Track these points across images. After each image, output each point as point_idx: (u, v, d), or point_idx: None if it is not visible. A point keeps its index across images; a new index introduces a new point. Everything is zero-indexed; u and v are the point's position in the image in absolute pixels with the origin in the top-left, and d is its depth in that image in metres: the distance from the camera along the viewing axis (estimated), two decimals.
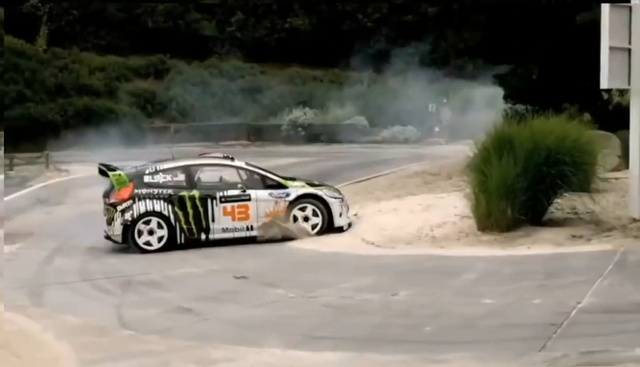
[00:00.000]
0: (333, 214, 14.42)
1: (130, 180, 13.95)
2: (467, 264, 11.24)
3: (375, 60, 40.66)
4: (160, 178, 14.04)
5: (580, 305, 8.53)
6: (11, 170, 24.90)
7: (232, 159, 14.82)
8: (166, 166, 14.27)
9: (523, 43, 20.53)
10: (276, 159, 25.30)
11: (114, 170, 14.19)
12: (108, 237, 14.15)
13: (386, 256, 12.49)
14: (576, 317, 8.12)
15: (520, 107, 21.71)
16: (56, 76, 38.98)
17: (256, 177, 14.50)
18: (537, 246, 12.08)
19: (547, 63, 20.96)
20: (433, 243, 13.00)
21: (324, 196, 14.50)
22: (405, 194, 17.54)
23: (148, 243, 13.76)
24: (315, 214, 14.33)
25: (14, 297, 10.49)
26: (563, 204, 13.63)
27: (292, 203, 14.25)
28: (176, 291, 10.77)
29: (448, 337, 7.93)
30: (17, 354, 8.01)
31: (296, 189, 14.47)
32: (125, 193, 13.83)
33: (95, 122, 35.16)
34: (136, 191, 13.82)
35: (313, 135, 38.10)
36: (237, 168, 14.58)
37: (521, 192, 12.91)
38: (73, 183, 22.52)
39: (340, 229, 14.39)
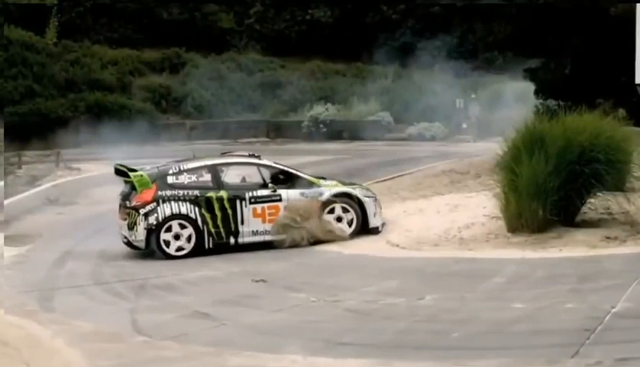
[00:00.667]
0: (368, 214, 13.89)
1: (153, 182, 13.28)
2: (497, 267, 11.11)
3: (400, 53, 40.35)
4: (184, 178, 13.37)
5: (614, 310, 8.38)
6: (20, 168, 24.85)
7: (259, 157, 14.21)
8: (190, 165, 13.60)
9: (555, 36, 20.28)
10: (296, 157, 25.16)
11: (134, 170, 13.56)
12: (128, 243, 13.53)
13: (411, 259, 12.39)
14: (611, 322, 7.97)
15: (552, 102, 21.54)
16: (67, 71, 38.84)
17: (285, 175, 13.92)
18: (569, 248, 11.97)
19: (580, 56, 20.77)
20: (461, 245, 12.90)
21: (359, 195, 13.98)
22: (432, 194, 17.49)
23: (176, 248, 13.14)
24: (346, 213, 13.79)
25: (23, 301, 10.44)
26: (596, 204, 13.53)
27: (325, 203, 13.67)
28: (192, 295, 10.66)
29: (477, 343, 7.78)
30: (26, 361, 7.91)
31: (329, 188, 13.91)
32: (148, 195, 13.18)
33: (108, 119, 34.93)
34: (159, 193, 13.17)
35: (335, 132, 37.76)
36: (266, 167, 13.98)
37: (553, 191, 12.78)
38: (85, 182, 22.47)
39: (374, 230, 13.91)
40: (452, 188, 18.11)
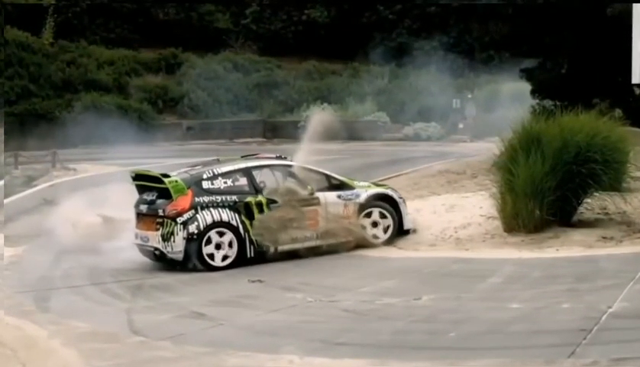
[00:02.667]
0: (402, 216, 13.24)
1: (188, 187, 12.15)
2: (493, 267, 11.10)
3: (396, 53, 40.35)
4: (219, 183, 12.28)
5: (610, 310, 8.37)
6: (16, 168, 24.79)
7: (286, 159, 13.39)
8: (225, 169, 12.51)
9: (552, 36, 20.27)
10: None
11: (167, 175, 12.36)
12: (159, 256, 12.23)
13: (408, 259, 12.36)
14: (607, 323, 7.95)
15: (548, 103, 21.52)
16: (63, 71, 38.74)
17: (319, 177, 13.04)
18: (566, 248, 11.98)
19: (576, 56, 20.75)
20: (457, 245, 12.87)
21: (395, 197, 13.33)
22: (429, 194, 17.43)
23: (221, 258, 12.05)
24: (383, 217, 13.02)
25: (20, 302, 10.38)
26: (593, 204, 13.53)
27: (362, 206, 12.86)
28: (189, 295, 10.61)
29: (474, 343, 7.75)
30: (22, 362, 7.87)
31: (365, 189, 13.14)
32: (185, 201, 11.99)
33: (104, 119, 34.78)
34: (196, 199, 12.05)
35: (331, 132, 37.66)
36: (300, 169, 13.07)
37: (549, 191, 12.78)
38: (81, 182, 22.36)
39: (407, 232, 13.28)
40: (449, 188, 18.07)
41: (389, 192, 13.47)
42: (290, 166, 13.11)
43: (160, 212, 12.13)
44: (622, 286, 9.31)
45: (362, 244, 12.79)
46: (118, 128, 31.70)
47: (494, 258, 11.75)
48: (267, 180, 12.80)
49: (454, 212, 14.80)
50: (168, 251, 12.03)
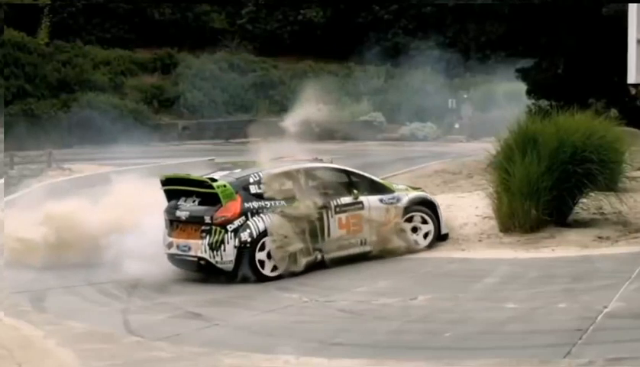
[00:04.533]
0: (440, 220, 12.71)
1: (236, 192, 11.31)
2: (489, 267, 11.09)
3: (392, 53, 40.39)
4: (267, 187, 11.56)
5: (606, 310, 8.39)
6: (12, 168, 24.76)
7: (322, 161, 12.77)
8: (270, 172, 11.73)
9: (547, 36, 20.29)
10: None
11: (214, 179, 11.48)
12: (205, 267, 11.26)
13: (404, 259, 12.24)
14: (603, 322, 7.97)
15: (544, 103, 21.53)
16: (59, 71, 38.76)
17: (361, 180, 12.35)
18: (562, 248, 11.96)
19: (572, 56, 20.77)
20: (453, 245, 12.81)
21: (434, 201, 12.84)
22: None
23: (271, 268, 11.19)
24: (424, 222, 12.49)
25: (16, 302, 10.34)
26: (589, 204, 13.55)
27: (404, 210, 12.29)
28: (185, 295, 10.58)
29: (470, 343, 7.76)
30: (18, 362, 7.84)
31: (405, 192, 12.57)
32: (235, 207, 11.14)
33: (100, 119, 34.77)
34: (246, 205, 11.24)
35: (328, 132, 37.65)
36: (341, 171, 12.41)
37: (545, 191, 12.77)
38: (77, 182, 22.30)
39: (445, 237, 12.77)
40: (445, 188, 18.00)
41: (429, 196, 13.03)
42: (335, 169, 12.54)
43: (207, 219, 11.17)
44: (618, 286, 9.31)
45: (406, 250, 12.26)
46: (114, 128, 31.69)
47: (490, 258, 11.73)
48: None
49: (450, 212, 14.69)
50: (217, 261, 11.10)
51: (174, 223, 11.56)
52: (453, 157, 26.03)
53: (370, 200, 12.06)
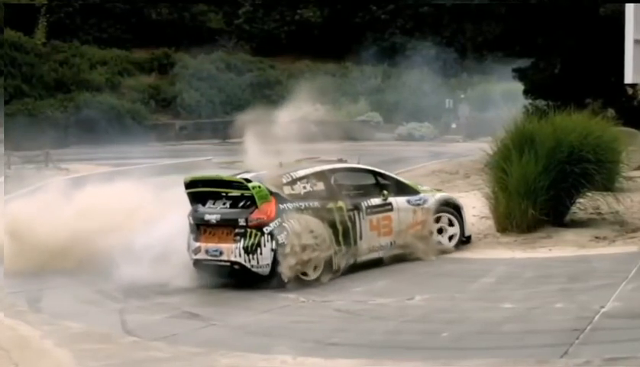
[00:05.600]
0: (464, 223, 12.44)
1: (270, 193, 10.82)
2: (486, 267, 11.07)
3: (389, 53, 40.43)
4: (299, 188, 11.07)
5: (603, 309, 8.37)
6: (9, 168, 24.73)
7: (346, 161, 12.50)
8: (301, 173, 11.30)
9: (544, 36, 20.30)
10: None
11: (248, 180, 10.90)
12: (239, 272, 10.73)
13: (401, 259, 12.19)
14: (600, 322, 7.96)
15: (541, 103, 21.54)
16: (56, 71, 38.75)
17: (388, 180, 12.03)
18: (559, 248, 11.96)
19: (569, 56, 20.77)
20: None
21: (458, 202, 12.56)
22: None
23: (305, 272, 10.74)
24: (450, 223, 12.23)
25: (12, 302, 10.30)
26: (586, 204, 13.57)
27: (430, 211, 12.01)
28: (181, 295, 10.51)
29: (466, 343, 7.75)
30: (15, 362, 7.82)
31: (431, 193, 12.33)
32: (270, 209, 10.66)
33: (96, 119, 34.75)
34: (280, 206, 10.73)
35: (324, 132, 37.66)
36: (368, 172, 12.10)
37: (542, 191, 12.78)
38: (73, 182, 22.24)
39: (468, 240, 12.50)
40: (442, 188, 18.01)
41: (454, 197, 12.78)
42: (363, 170, 12.23)
43: (241, 222, 10.64)
44: (615, 286, 9.31)
45: (433, 253, 11.95)
46: (111, 128, 31.67)
47: (487, 258, 11.71)
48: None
49: None
50: (252, 265, 10.56)
51: (201, 227, 10.95)
52: (450, 157, 26.03)
53: (399, 201, 11.77)
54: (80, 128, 33.58)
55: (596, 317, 8.08)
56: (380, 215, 11.54)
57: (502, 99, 30.95)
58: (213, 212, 10.90)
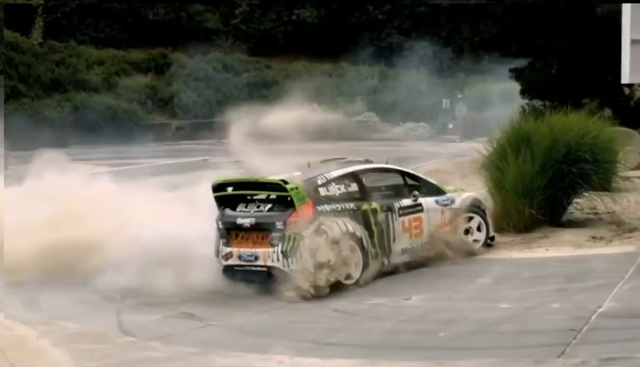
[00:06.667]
0: (489, 222, 12.16)
1: (307, 195, 10.42)
2: (483, 267, 11.06)
3: (386, 53, 40.41)
4: (334, 189, 10.71)
5: (600, 309, 8.38)
6: (7, 168, 24.69)
7: (372, 162, 12.07)
8: (335, 174, 10.95)
9: (541, 36, 20.31)
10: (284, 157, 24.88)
11: (286, 181, 10.41)
12: (275, 276, 10.17)
13: None
14: (597, 322, 7.97)
15: (538, 103, 21.55)
16: (53, 71, 38.66)
17: (416, 181, 11.82)
18: (555, 248, 11.95)
19: (566, 56, 20.79)
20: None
21: (483, 201, 12.29)
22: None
23: (345, 276, 10.36)
24: (479, 228, 12.00)
25: (9, 302, 10.27)
26: (583, 204, 13.60)
27: (459, 212, 11.78)
28: (178, 296, 10.26)
29: (463, 343, 7.76)
30: (12, 362, 7.81)
31: (457, 194, 12.05)
32: (308, 211, 10.26)
33: (93, 119, 34.71)
34: (318, 208, 10.33)
35: (321, 132, 37.62)
36: (396, 172, 11.88)
37: (539, 191, 12.79)
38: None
39: (492, 239, 12.22)
40: None
41: (479, 196, 12.45)
42: (389, 169, 11.97)
43: (279, 226, 10.16)
44: (612, 286, 9.32)
45: (462, 254, 11.73)
46: (108, 128, 31.63)
47: (484, 258, 11.68)
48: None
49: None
50: (291, 270, 10.09)
51: (232, 232, 10.46)
52: (447, 157, 26.01)
53: (428, 202, 11.50)
54: (77, 128, 33.52)
55: (593, 317, 8.08)
56: (412, 217, 11.25)
57: (499, 99, 30.92)
58: (246, 215, 10.39)
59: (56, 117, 35.64)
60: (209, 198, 10.72)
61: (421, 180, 11.83)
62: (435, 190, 11.77)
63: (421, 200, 11.39)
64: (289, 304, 9.70)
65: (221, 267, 10.41)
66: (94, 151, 25.45)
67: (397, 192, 11.49)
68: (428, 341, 7.89)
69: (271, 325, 8.87)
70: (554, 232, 12.68)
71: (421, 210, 11.35)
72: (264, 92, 41.01)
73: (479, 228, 11.98)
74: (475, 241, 11.94)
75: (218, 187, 10.69)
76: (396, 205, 11.14)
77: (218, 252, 10.46)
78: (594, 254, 11.42)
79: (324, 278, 9.96)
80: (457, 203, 11.78)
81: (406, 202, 11.27)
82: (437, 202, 11.59)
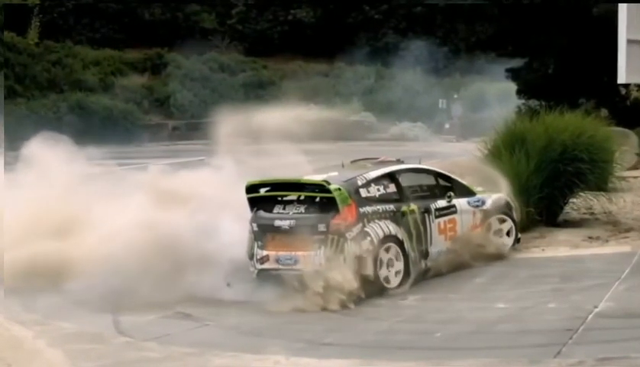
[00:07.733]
0: (516, 223, 11.91)
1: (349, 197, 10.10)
2: (479, 267, 11.00)
3: (382, 53, 40.39)
4: (374, 190, 10.40)
5: (596, 309, 8.40)
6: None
7: (403, 162, 11.76)
8: (374, 174, 10.64)
9: (537, 36, 20.33)
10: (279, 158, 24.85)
11: (328, 183, 10.09)
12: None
13: None
14: (593, 322, 7.99)
15: (534, 103, 21.57)
16: (49, 71, 38.55)
17: (449, 181, 11.55)
18: (552, 248, 11.95)
19: (562, 56, 20.80)
20: None
21: (512, 202, 11.98)
22: None
23: (387, 279, 10.06)
24: (508, 232, 11.78)
25: (5, 303, 10.21)
26: (579, 204, 13.60)
27: (489, 213, 11.55)
28: (175, 296, 10.24)
29: (460, 343, 7.77)
30: (8, 363, 7.82)
31: (487, 194, 11.76)
32: (352, 213, 9.95)
33: (90, 119, 34.67)
34: (361, 210, 10.06)
35: (318, 132, 37.61)
36: (430, 173, 11.60)
37: (535, 190, 12.78)
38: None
39: (519, 241, 11.91)
40: None
41: (508, 197, 12.10)
42: (422, 170, 11.66)
43: (321, 228, 9.80)
44: (608, 286, 9.33)
45: (494, 256, 11.51)
46: (104, 128, 31.57)
47: None
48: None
49: None
50: (333, 275, 9.67)
51: (268, 234, 10.08)
52: (443, 157, 25.99)
53: (461, 203, 11.28)
54: (73, 129, 33.44)
55: (590, 317, 8.09)
56: (447, 218, 11.04)
57: (495, 99, 30.98)
58: (285, 217, 10.03)
59: (52, 117, 35.56)
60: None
61: (453, 181, 11.57)
62: (466, 191, 11.55)
63: (454, 201, 11.20)
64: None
65: (255, 271, 10.05)
66: (90, 151, 25.24)
67: (431, 193, 11.24)
68: (424, 341, 7.90)
69: (267, 325, 8.85)
70: (551, 231, 12.69)
71: (455, 212, 11.15)
72: (261, 92, 40.98)
73: (508, 233, 11.75)
74: (504, 244, 11.69)
75: (251, 188, 10.37)
76: (432, 206, 10.91)
77: (252, 255, 10.09)
78: (590, 254, 11.43)
79: (361, 287, 9.61)
80: (488, 204, 11.60)
81: (441, 203, 11.05)
82: (469, 203, 11.40)
